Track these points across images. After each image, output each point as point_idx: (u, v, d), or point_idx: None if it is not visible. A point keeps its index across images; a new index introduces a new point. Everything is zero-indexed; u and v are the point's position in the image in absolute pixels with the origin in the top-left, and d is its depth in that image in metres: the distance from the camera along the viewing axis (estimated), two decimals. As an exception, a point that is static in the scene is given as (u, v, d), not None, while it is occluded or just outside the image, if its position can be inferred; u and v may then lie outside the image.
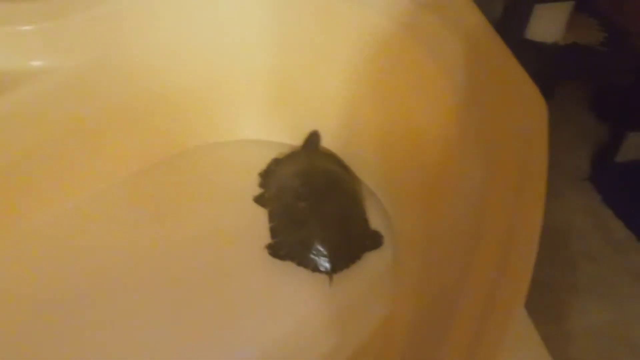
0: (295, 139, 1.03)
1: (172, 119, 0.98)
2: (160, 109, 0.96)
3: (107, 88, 0.93)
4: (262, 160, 1.01)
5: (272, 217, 0.91)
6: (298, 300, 0.84)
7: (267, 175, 0.98)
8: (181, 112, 0.99)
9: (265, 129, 1.04)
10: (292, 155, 1.00)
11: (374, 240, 0.89)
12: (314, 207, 0.89)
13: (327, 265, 0.85)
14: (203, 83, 0.98)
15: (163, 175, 1.00)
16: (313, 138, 1.00)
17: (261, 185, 0.97)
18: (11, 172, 0.88)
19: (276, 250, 0.88)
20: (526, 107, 0.67)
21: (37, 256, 0.89)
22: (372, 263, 0.88)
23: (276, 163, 0.99)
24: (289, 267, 0.87)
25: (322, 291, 0.84)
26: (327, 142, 1.01)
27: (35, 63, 0.89)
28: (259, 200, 0.95)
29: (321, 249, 0.86)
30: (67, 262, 0.88)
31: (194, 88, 0.98)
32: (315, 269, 0.85)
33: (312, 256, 0.86)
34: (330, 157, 0.99)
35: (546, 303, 1.00)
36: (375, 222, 0.92)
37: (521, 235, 0.58)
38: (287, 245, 0.88)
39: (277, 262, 0.87)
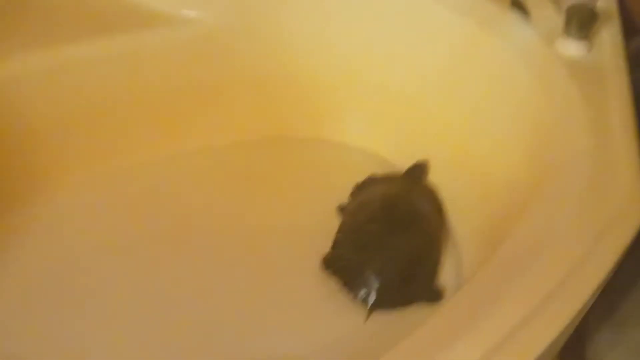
0: (402, 160, 0.96)
1: (288, 102, 0.97)
2: (281, 89, 0.96)
3: (244, 54, 0.94)
4: (363, 170, 0.95)
5: (340, 229, 0.86)
6: (325, 323, 0.77)
7: (360, 188, 0.93)
8: (302, 99, 0.97)
9: (375, 141, 0.98)
10: (391, 178, 0.93)
11: (432, 294, 0.79)
12: (384, 235, 0.81)
13: (371, 299, 0.78)
14: (332, 79, 0.96)
15: (263, 155, 0.99)
16: (418, 168, 0.93)
17: (351, 195, 0.92)
18: (127, 107, 0.92)
19: (329, 262, 0.82)
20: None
21: (120, 194, 0.93)
22: (420, 316, 0.78)
23: (372, 179, 0.93)
24: (334, 285, 0.80)
25: (354, 324, 0.77)
26: (435, 174, 0.92)
27: (188, 12, 0.92)
28: (341, 210, 0.90)
29: (372, 279, 0.78)
30: (143, 207, 0.91)
31: (322, 81, 0.96)
32: (357, 297, 0.78)
33: (360, 283, 0.79)
34: (429, 194, 0.90)
35: None
36: (446, 279, 0.82)
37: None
38: (342, 261, 0.81)
39: (324, 275, 0.81)
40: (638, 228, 0.53)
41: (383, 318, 0.78)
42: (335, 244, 0.84)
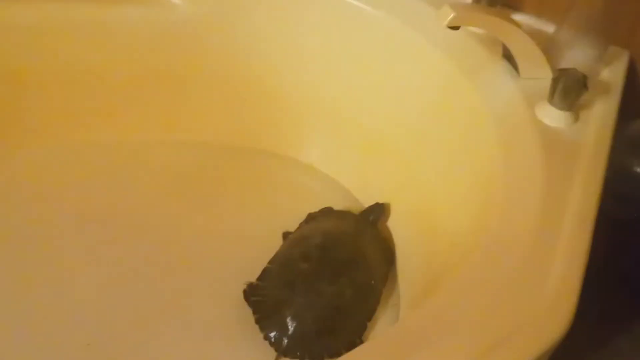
0: (366, 197, 0.88)
1: (257, 111, 0.90)
2: (250, 95, 0.89)
3: (216, 49, 0.89)
4: (323, 199, 0.89)
5: (273, 259, 0.78)
6: (230, 356, 0.71)
7: (312, 218, 0.85)
8: (271, 110, 0.91)
9: (343, 171, 0.91)
10: (345, 215, 0.85)
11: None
12: (311, 277, 0.74)
13: (282, 343, 0.70)
14: (304, 98, 0.89)
15: (222, 160, 0.93)
16: (376, 210, 0.84)
17: (301, 224, 0.85)
18: (97, 80, 0.88)
19: (250, 292, 0.75)
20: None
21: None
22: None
23: (326, 212, 0.86)
24: (248, 317, 0.73)
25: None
26: (393, 220, 0.85)
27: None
28: (284, 237, 0.83)
29: (288, 323, 0.71)
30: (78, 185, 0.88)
31: (293, 98, 0.89)
32: (267, 338, 0.71)
33: (273, 323, 0.71)
34: (380, 241, 0.82)
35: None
36: (379, 334, 0.74)
37: None
38: (261, 295, 0.74)
39: (243, 305, 0.74)
40: (550, 344, 0.45)
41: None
42: (262, 275, 0.77)
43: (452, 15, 0.59)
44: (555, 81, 0.63)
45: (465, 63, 0.70)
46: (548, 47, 0.71)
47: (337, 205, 0.89)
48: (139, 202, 0.86)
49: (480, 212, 0.63)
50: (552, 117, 0.64)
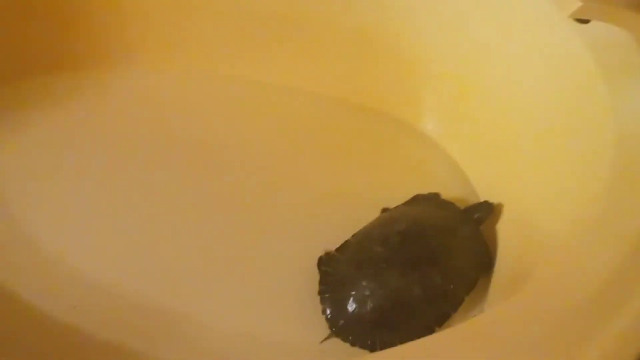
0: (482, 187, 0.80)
1: (383, 70, 0.84)
2: (380, 53, 0.83)
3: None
4: (435, 177, 0.82)
5: (357, 234, 0.74)
6: (284, 320, 0.70)
7: (413, 200, 0.79)
8: (399, 72, 0.84)
9: (462, 154, 0.83)
10: (447, 205, 0.77)
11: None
12: (383, 263, 0.69)
13: (338, 323, 0.67)
14: (438, 63, 0.81)
15: (332, 117, 0.90)
16: (483, 209, 0.75)
17: (404, 204, 0.79)
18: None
19: (322, 262, 0.73)
20: None
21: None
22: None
23: (431, 198, 0.78)
24: (313, 286, 0.71)
25: (309, 337, 0.67)
26: (506, 225, 0.74)
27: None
28: (382, 212, 0.78)
29: (349, 303, 0.68)
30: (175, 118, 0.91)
31: (425, 61, 0.81)
32: (323, 312, 0.69)
33: (333, 300, 0.69)
34: (479, 245, 0.72)
35: None
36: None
37: None
38: (335, 268, 0.71)
39: (313, 271, 0.72)
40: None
41: (342, 349, 0.67)
42: (342, 247, 0.74)
43: (578, 4, 0.47)
44: None
45: (608, 63, 0.56)
46: None
47: (451, 192, 0.81)
48: (241, 139, 0.87)
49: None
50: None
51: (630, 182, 0.50)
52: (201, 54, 0.93)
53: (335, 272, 0.71)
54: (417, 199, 0.79)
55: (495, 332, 0.43)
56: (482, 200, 0.78)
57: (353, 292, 0.68)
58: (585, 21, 0.50)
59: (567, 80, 0.61)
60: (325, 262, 0.73)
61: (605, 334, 0.42)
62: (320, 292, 0.70)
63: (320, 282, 0.71)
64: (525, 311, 0.45)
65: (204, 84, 0.95)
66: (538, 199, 0.69)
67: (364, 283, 0.68)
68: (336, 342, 0.67)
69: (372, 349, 0.66)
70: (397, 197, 0.80)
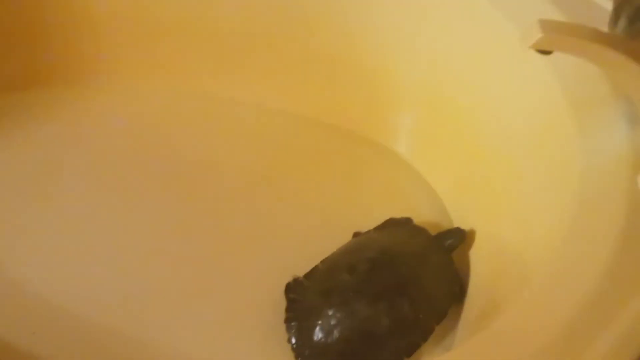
0: (457, 214, 0.78)
1: (354, 90, 0.83)
2: (351, 73, 0.82)
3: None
4: (410, 201, 0.81)
5: (326, 259, 0.72)
6: (248, 346, 0.68)
7: (386, 225, 0.77)
8: (371, 94, 0.82)
9: (438, 175, 0.81)
10: (418, 232, 0.75)
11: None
12: (351, 293, 0.67)
13: (303, 352, 0.65)
14: (407, 83, 0.79)
15: (302, 138, 0.89)
16: (454, 236, 0.73)
17: (377, 228, 0.78)
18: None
19: (290, 288, 0.71)
20: None
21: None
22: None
23: (402, 223, 0.76)
24: (280, 313, 0.69)
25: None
26: (478, 253, 0.73)
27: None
28: (355, 235, 0.77)
29: (314, 332, 0.66)
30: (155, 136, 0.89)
31: (394, 81, 0.80)
32: (290, 341, 0.67)
33: (299, 328, 0.67)
34: (450, 273, 0.71)
35: None
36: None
37: None
38: (302, 295, 0.70)
39: (281, 297, 0.70)
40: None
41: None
42: (310, 273, 0.72)
43: (539, 35, 0.45)
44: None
45: (577, 95, 0.55)
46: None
47: (425, 215, 0.79)
48: (213, 157, 0.86)
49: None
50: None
51: (595, 211, 0.49)
52: (175, 71, 0.92)
53: (303, 300, 0.69)
54: (389, 224, 0.77)
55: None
56: (455, 225, 0.77)
57: (319, 322, 0.66)
58: (547, 52, 0.49)
59: (538, 110, 0.60)
60: (293, 289, 0.71)
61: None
62: (287, 320, 0.68)
63: (287, 310, 0.69)
64: (494, 349, 0.44)
65: (178, 101, 0.93)
66: (510, 226, 0.68)
67: (330, 312, 0.66)
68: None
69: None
70: (369, 220, 0.78)
